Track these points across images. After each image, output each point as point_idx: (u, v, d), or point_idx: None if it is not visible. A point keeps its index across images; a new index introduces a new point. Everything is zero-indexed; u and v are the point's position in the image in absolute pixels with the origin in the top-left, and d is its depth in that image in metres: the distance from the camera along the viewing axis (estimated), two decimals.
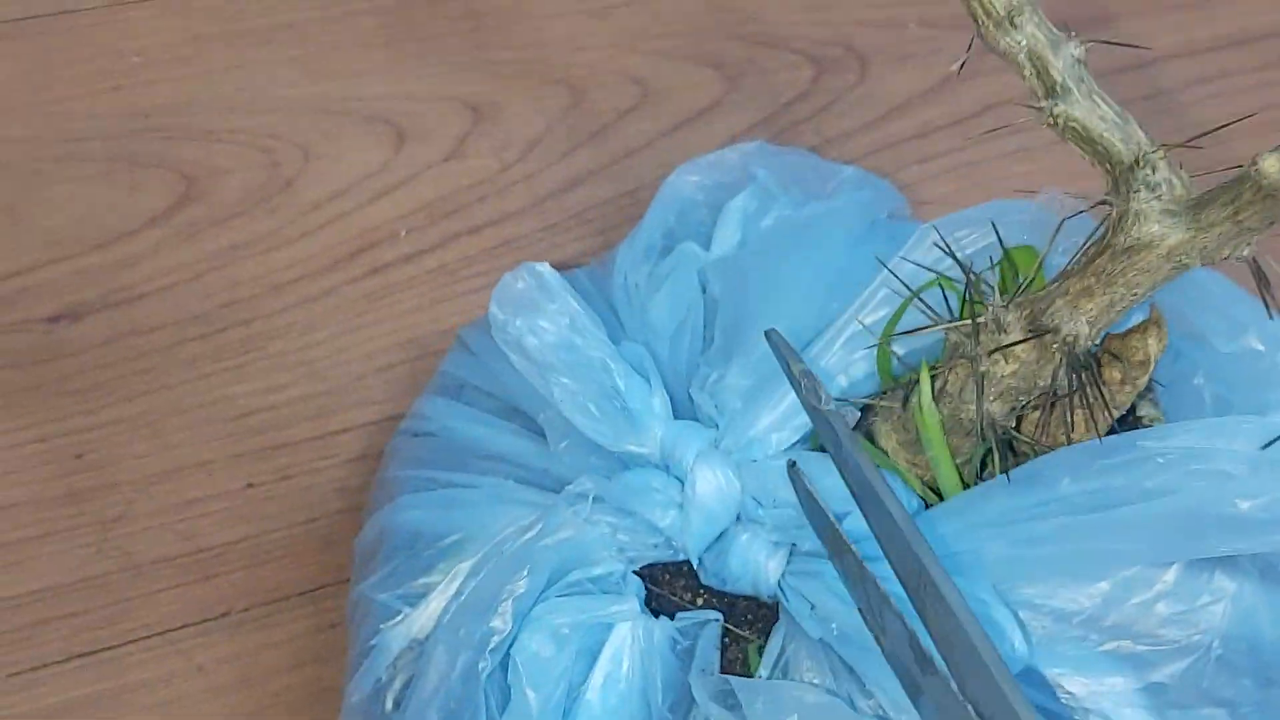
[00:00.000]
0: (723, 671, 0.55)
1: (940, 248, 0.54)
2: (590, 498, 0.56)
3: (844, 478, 0.51)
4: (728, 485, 0.55)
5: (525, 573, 0.54)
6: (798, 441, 0.57)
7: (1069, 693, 0.50)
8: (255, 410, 0.73)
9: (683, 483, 0.56)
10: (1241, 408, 0.54)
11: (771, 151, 0.70)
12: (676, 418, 0.58)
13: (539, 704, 0.53)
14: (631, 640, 0.54)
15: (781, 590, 0.53)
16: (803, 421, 0.57)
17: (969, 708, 0.45)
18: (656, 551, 0.56)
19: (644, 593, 0.57)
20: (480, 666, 0.54)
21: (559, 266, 0.77)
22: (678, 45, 0.88)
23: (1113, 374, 0.53)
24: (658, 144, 0.84)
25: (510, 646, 0.54)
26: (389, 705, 0.56)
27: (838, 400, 0.56)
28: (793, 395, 0.56)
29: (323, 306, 0.77)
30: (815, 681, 0.52)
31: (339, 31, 0.87)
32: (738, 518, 0.56)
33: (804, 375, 0.52)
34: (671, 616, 0.56)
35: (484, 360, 0.66)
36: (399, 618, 0.57)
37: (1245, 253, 0.46)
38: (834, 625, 0.52)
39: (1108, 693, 0.50)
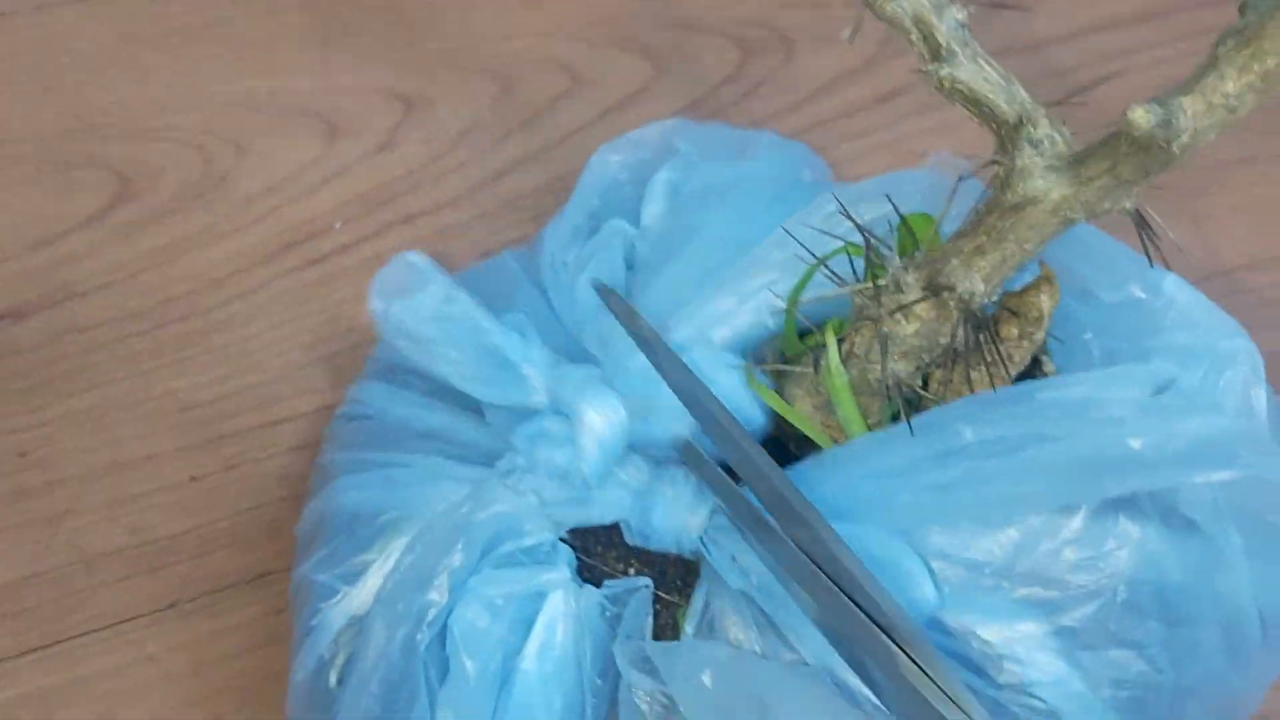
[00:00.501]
0: (655, 638, 0.57)
1: (841, 213, 0.56)
2: (520, 470, 0.57)
3: (712, 440, 0.53)
4: (613, 411, 0.57)
5: (459, 547, 0.56)
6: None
7: (983, 640, 0.52)
8: (198, 403, 0.75)
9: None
10: (1127, 357, 0.56)
11: (691, 126, 0.72)
12: None
13: (476, 673, 0.54)
14: (564, 609, 0.56)
15: (704, 545, 0.55)
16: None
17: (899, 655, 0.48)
18: (578, 510, 0.57)
19: (575, 563, 0.58)
20: (418, 639, 0.55)
21: (492, 253, 0.79)
22: (605, 32, 0.90)
23: (1010, 330, 0.55)
24: (588, 130, 0.86)
25: (447, 618, 0.55)
26: (332, 681, 0.58)
27: (760, 368, 0.58)
28: (681, 332, 0.59)
29: (261, 299, 0.78)
30: (739, 636, 0.54)
31: (267, 27, 0.88)
32: (631, 445, 0.58)
33: (650, 334, 0.55)
34: (602, 586, 0.58)
35: (425, 344, 0.67)
36: (338, 596, 0.59)
37: (1127, 205, 0.48)
38: (753, 577, 0.53)
39: (1020, 638, 0.52)
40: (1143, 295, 0.57)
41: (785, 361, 0.59)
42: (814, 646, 0.52)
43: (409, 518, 0.58)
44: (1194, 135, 0.44)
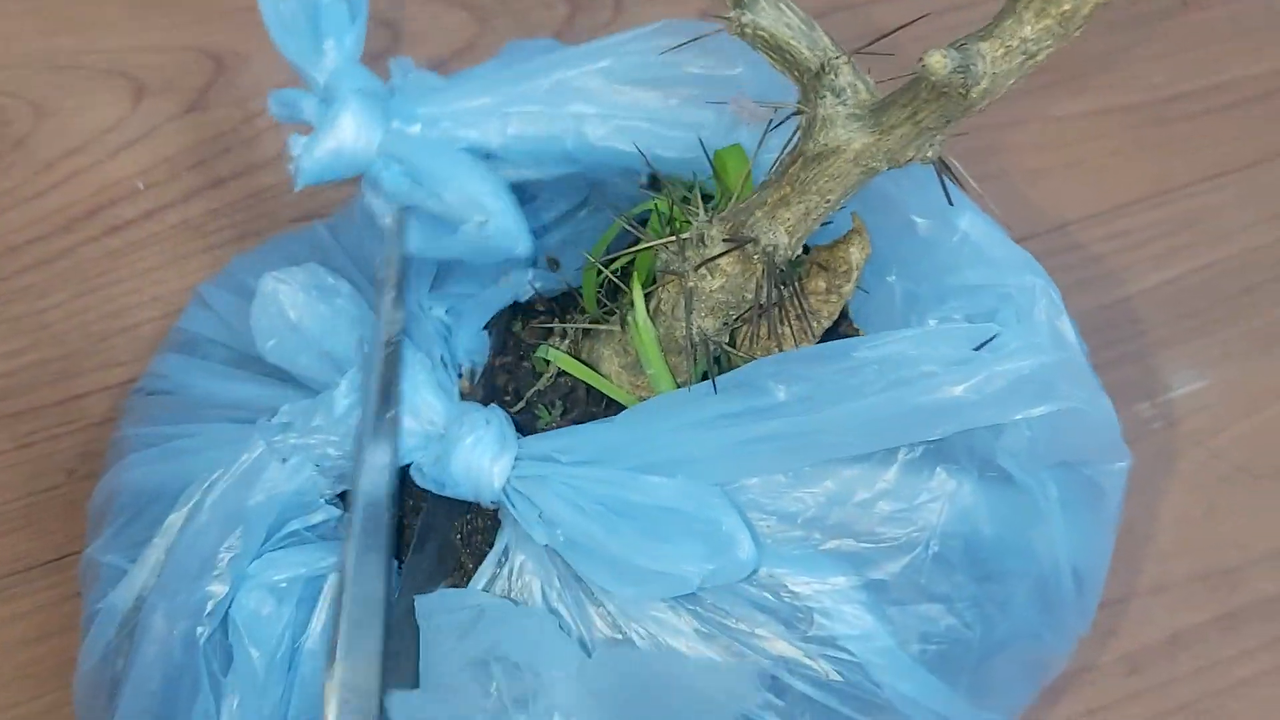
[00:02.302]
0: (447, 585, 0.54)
1: (651, 167, 0.54)
2: (288, 426, 0.54)
3: None
4: (368, 130, 0.55)
5: (237, 533, 0.53)
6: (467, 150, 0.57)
7: (792, 592, 0.51)
8: None
9: None
10: (929, 299, 0.55)
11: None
12: None
13: (263, 662, 0.52)
14: None
15: (506, 496, 0.53)
16: (473, 135, 0.57)
17: None
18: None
19: None
20: (199, 632, 0.52)
21: (311, 218, 0.75)
22: None
23: (818, 284, 0.53)
24: None
25: (229, 608, 0.53)
26: (119, 669, 0.55)
27: (563, 326, 0.56)
28: (477, 101, 0.57)
29: (61, 267, 0.74)
30: (538, 589, 0.52)
31: None
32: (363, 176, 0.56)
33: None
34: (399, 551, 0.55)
35: (222, 314, 0.64)
36: (122, 580, 0.55)
37: (930, 154, 0.47)
38: (560, 532, 0.51)
39: (830, 591, 0.51)
40: (942, 233, 0.56)
41: (590, 320, 0.57)
42: (621, 602, 0.50)
43: (188, 491, 0.55)
44: (993, 80, 0.43)
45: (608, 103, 0.57)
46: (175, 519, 0.54)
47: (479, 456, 0.53)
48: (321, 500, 0.55)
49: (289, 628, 0.53)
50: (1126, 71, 0.88)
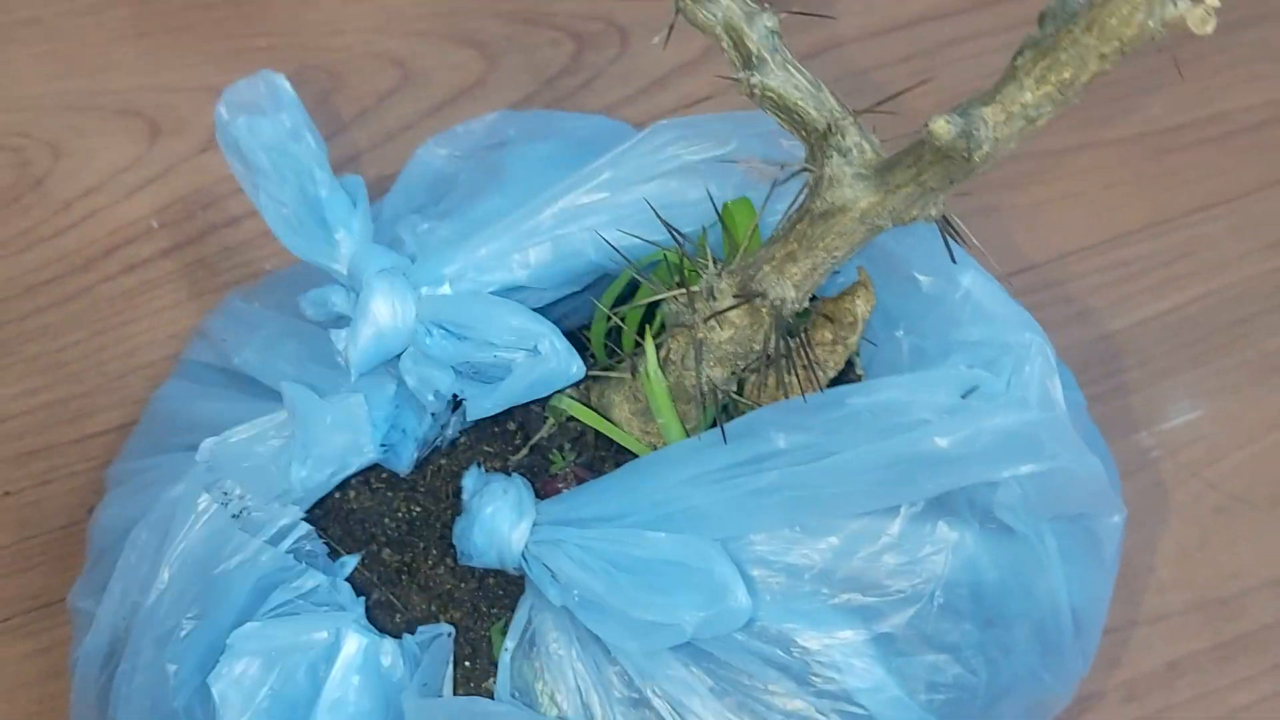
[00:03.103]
0: (463, 660, 0.56)
1: (664, 223, 0.55)
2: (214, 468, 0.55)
3: None
4: (402, 306, 0.55)
5: (199, 607, 0.53)
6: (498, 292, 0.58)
7: (803, 647, 0.52)
8: (10, 416, 0.72)
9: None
10: (934, 354, 0.56)
11: (518, 114, 0.70)
12: None
13: None
14: (358, 661, 0.53)
15: (525, 560, 0.54)
16: (500, 278, 0.58)
17: None
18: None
19: (362, 602, 0.56)
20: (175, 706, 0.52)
21: None
22: (436, 25, 0.88)
23: (824, 335, 0.55)
24: (420, 125, 0.84)
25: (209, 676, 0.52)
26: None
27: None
28: (495, 244, 0.58)
29: (77, 307, 0.75)
30: (560, 652, 0.53)
31: (87, 25, 0.85)
32: (408, 351, 0.56)
33: None
34: (399, 626, 0.56)
35: (215, 340, 0.65)
36: (92, 627, 0.56)
37: (933, 213, 0.48)
38: (576, 592, 0.53)
39: (839, 645, 0.52)
40: (946, 289, 0.57)
41: (601, 367, 0.58)
42: (639, 662, 0.52)
43: (133, 534, 0.56)
44: (994, 145, 0.44)
45: (616, 206, 0.59)
46: (125, 562, 0.55)
47: (499, 524, 0.54)
48: (303, 565, 0.55)
49: (282, 699, 0.52)
50: (1123, 104, 0.89)
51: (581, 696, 0.53)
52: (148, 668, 0.53)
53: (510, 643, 0.54)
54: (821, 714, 0.52)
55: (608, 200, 0.59)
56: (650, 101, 0.87)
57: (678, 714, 0.52)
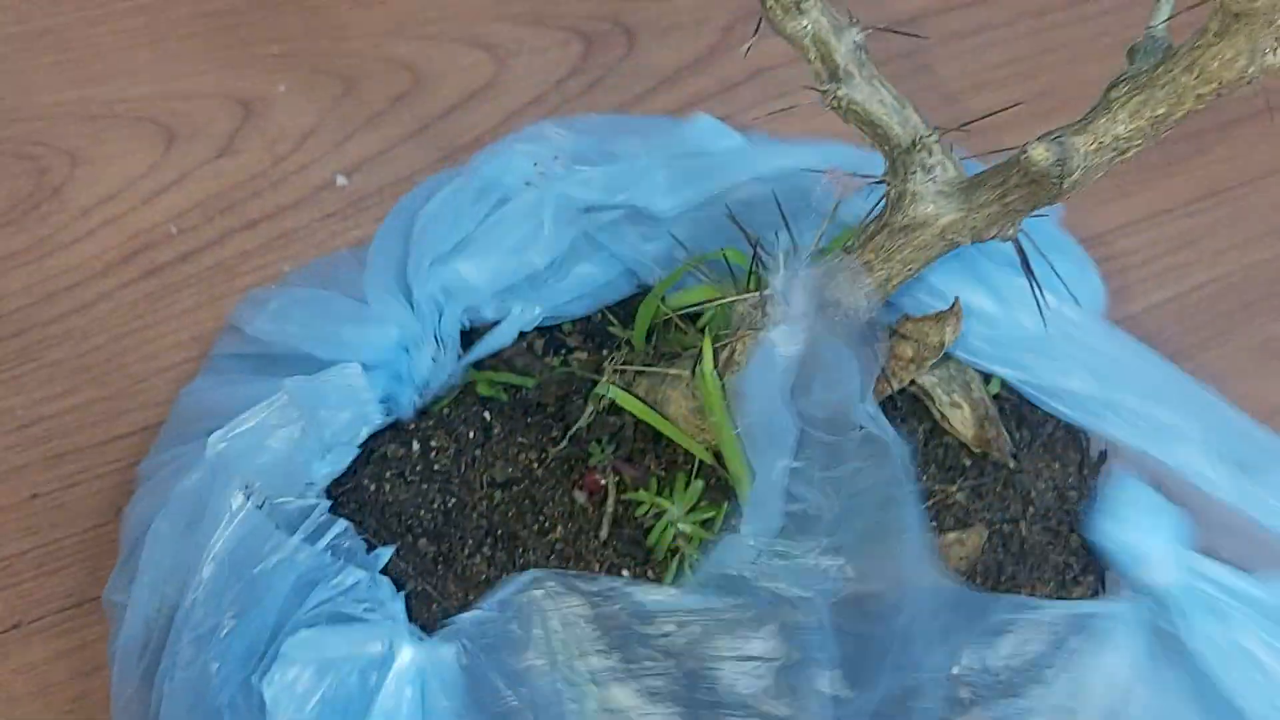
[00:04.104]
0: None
1: (731, 219, 0.56)
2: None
3: None
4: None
5: (238, 607, 0.54)
6: None
7: None
8: (36, 420, 0.73)
9: None
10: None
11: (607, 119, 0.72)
12: None
13: None
14: (410, 673, 0.53)
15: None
16: None
17: None
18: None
19: (402, 598, 0.57)
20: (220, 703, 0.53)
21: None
22: (446, 29, 0.89)
23: (904, 351, 0.56)
24: (432, 128, 0.85)
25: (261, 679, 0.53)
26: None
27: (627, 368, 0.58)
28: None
29: (99, 311, 0.76)
30: None
31: (100, 33, 0.86)
32: None
33: None
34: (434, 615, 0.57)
35: (234, 326, 0.67)
36: (128, 620, 0.57)
37: (1011, 233, 0.49)
38: None
39: None
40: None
41: (661, 359, 0.59)
42: None
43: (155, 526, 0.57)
44: (1084, 173, 0.45)
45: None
46: (149, 555, 0.56)
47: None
48: (341, 562, 0.56)
49: (338, 705, 0.53)
50: None
51: None
52: (189, 665, 0.54)
53: None
54: None
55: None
56: (659, 99, 0.89)
57: None
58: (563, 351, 0.64)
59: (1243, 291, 0.84)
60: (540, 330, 0.65)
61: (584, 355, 0.63)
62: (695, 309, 0.58)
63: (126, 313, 0.76)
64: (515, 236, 0.62)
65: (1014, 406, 0.63)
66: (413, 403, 0.61)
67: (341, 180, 0.82)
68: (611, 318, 0.64)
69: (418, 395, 0.60)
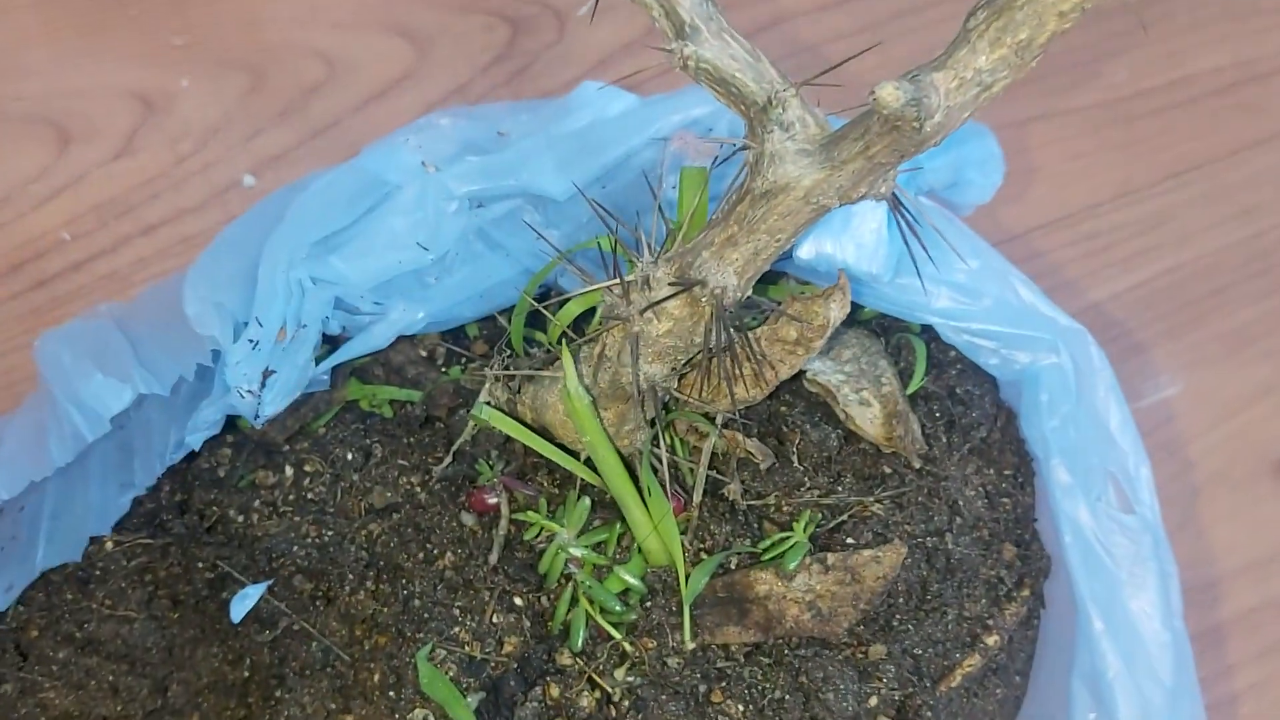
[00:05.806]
0: (386, 690, 0.51)
1: (594, 206, 0.51)
2: None
3: None
4: None
5: None
6: None
7: None
8: None
9: None
10: None
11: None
12: None
13: None
14: None
15: None
16: None
17: None
18: None
19: None
20: None
21: None
22: (362, 15, 0.84)
23: (788, 333, 0.51)
24: (348, 120, 0.80)
25: None
26: None
27: (502, 374, 0.53)
28: None
29: None
30: None
31: None
32: None
33: None
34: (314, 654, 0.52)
35: None
36: None
37: (883, 191, 0.44)
38: None
39: None
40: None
41: (530, 366, 0.54)
42: None
43: None
44: (946, 114, 0.40)
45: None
46: None
47: None
48: None
49: None
50: (1087, 70, 0.85)
51: None
52: None
53: None
54: None
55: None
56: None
57: None
58: (462, 361, 0.59)
59: (1213, 276, 0.80)
60: (444, 336, 0.60)
61: (482, 366, 0.58)
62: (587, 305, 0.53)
63: (13, 327, 0.71)
64: (394, 231, 0.56)
65: (944, 409, 0.58)
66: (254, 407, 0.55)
67: (249, 180, 0.76)
68: (505, 322, 0.58)
69: (259, 386, 0.54)
